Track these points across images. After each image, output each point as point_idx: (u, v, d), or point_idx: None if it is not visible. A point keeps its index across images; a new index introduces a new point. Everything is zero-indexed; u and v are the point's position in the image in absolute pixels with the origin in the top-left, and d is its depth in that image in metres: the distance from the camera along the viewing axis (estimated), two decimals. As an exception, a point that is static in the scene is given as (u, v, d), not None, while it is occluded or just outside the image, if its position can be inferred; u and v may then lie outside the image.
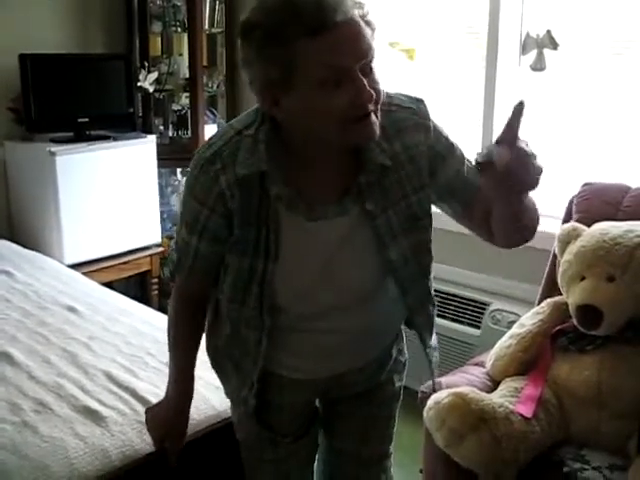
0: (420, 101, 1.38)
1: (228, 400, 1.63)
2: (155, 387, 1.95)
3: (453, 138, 1.42)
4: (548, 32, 2.68)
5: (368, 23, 1.19)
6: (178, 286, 1.48)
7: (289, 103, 1.20)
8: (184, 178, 3.99)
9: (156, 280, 3.73)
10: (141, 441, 1.74)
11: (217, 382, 1.67)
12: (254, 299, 1.35)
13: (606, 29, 2.62)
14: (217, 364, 1.56)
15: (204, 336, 1.54)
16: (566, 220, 2.32)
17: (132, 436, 1.76)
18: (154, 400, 1.89)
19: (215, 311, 1.48)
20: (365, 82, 1.17)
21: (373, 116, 1.20)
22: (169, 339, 1.52)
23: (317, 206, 1.30)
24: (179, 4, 3.78)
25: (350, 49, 1.16)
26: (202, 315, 1.51)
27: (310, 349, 1.43)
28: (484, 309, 2.84)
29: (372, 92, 1.18)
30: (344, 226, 1.32)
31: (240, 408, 1.52)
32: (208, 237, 1.34)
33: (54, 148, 3.28)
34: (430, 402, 1.82)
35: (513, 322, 2.52)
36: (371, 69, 1.20)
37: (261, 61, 1.18)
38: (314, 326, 1.39)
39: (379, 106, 1.22)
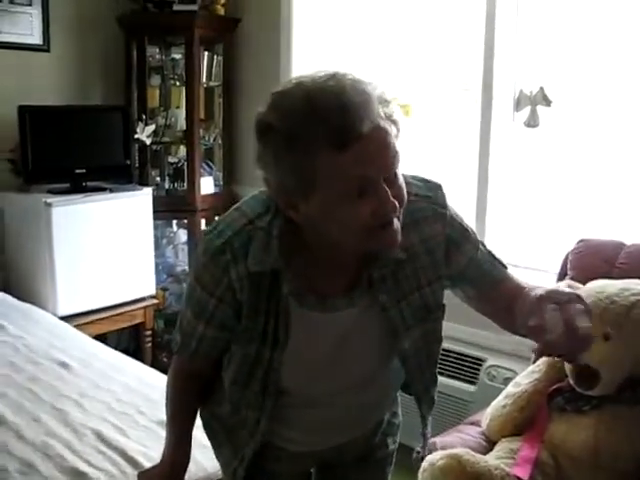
0: (438, 187, 1.32)
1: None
2: (145, 447, 1.92)
3: (467, 222, 1.37)
4: (541, 89, 2.72)
5: (394, 122, 1.13)
6: (179, 363, 1.43)
7: (307, 210, 1.14)
8: (179, 230, 4.01)
9: (149, 332, 3.70)
10: (129, 505, 1.71)
11: (208, 443, 1.64)
12: (258, 384, 1.31)
13: (598, 86, 2.65)
14: (210, 428, 1.53)
15: None
16: (561, 276, 2.32)
17: (120, 499, 1.72)
18: (143, 460, 1.86)
19: (215, 380, 1.45)
20: (389, 193, 1.10)
21: (396, 222, 1.14)
22: (167, 410, 1.48)
23: (328, 299, 1.26)
24: (178, 58, 3.84)
25: (376, 161, 1.09)
26: (201, 389, 1.47)
27: (311, 424, 1.41)
28: (480, 365, 2.82)
29: (395, 203, 1.11)
30: (353, 317, 1.28)
31: (229, 476, 1.49)
32: (215, 324, 1.29)
33: (50, 199, 3.28)
34: (425, 464, 1.80)
35: (509, 378, 2.51)
36: (396, 175, 1.13)
37: (277, 166, 1.12)
38: (316, 403, 1.37)
39: (402, 210, 1.15)
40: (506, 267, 1.41)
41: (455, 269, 1.34)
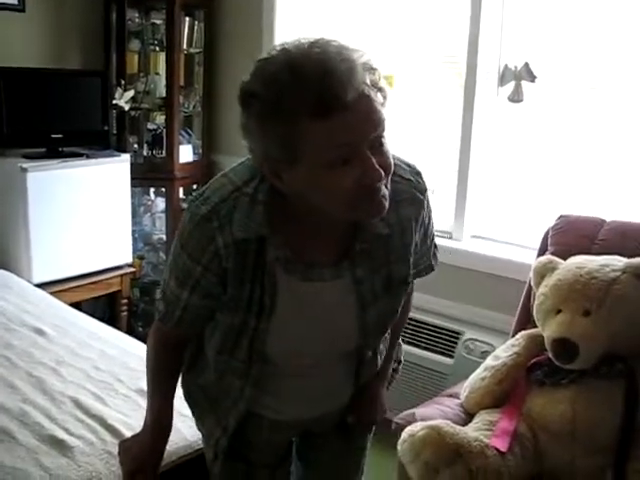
0: (419, 174, 1.34)
1: (197, 430, 1.60)
2: (124, 415, 1.91)
3: (434, 218, 1.41)
4: (526, 64, 2.71)
5: (380, 90, 1.11)
6: (161, 331, 1.41)
7: (292, 179, 1.13)
8: (157, 198, 3.96)
9: (126, 301, 3.66)
10: (109, 473, 1.70)
11: (188, 412, 1.63)
12: (243, 352, 1.32)
13: (583, 63, 2.65)
14: (192, 398, 1.53)
15: None
16: (542, 251, 2.33)
17: (100, 467, 1.71)
18: (123, 429, 1.85)
19: (197, 349, 1.45)
20: (374, 160, 1.10)
21: (383, 190, 1.14)
22: (148, 377, 1.47)
23: (315, 268, 1.26)
24: (158, 23, 3.75)
25: (360, 129, 1.08)
26: (182, 357, 1.47)
27: (295, 393, 1.41)
28: (457, 338, 2.83)
29: (381, 171, 1.11)
30: (337, 288, 1.29)
31: (212, 446, 1.48)
32: (200, 293, 1.28)
33: (26, 164, 3.22)
34: (404, 434, 1.81)
35: (486, 352, 2.53)
36: (381, 143, 1.12)
37: (261, 135, 1.11)
38: (301, 373, 1.37)
39: (389, 177, 1.16)
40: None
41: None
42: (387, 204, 1.16)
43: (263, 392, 1.39)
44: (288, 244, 1.24)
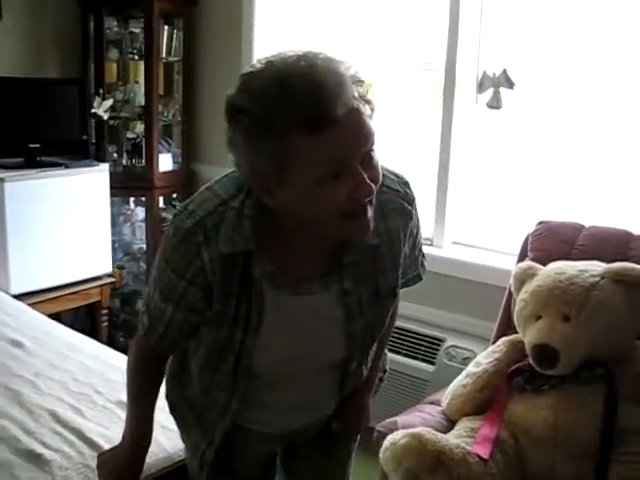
0: (407, 184, 1.33)
1: (180, 442, 1.58)
2: (103, 428, 1.88)
3: (422, 229, 1.42)
4: (504, 71, 2.73)
5: (368, 102, 1.10)
6: (143, 345, 1.39)
7: (281, 194, 1.11)
8: (137, 207, 3.94)
9: (106, 311, 3.63)
10: (87, 487, 1.67)
11: (169, 424, 1.62)
12: (229, 367, 1.30)
13: (561, 69, 2.67)
14: (177, 412, 1.51)
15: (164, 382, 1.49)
16: (521, 257, 2.34)
17: (78, 481, 1.68)
18: (101, 441, 1.83)
19: (181, 362, 1.43)
20: (364, 175, 1.09)
21: (369, 210, 1.13)
22: (128, 389, 1.45)
23: (302, 282, 1.25)
24: (137, 31, 3.74)
25: (351, 144, 1.07)
26: (164, 367, 1.45)
27: (281, 406, 1.40)
28: (439, 345, 2.84)
29: (372, 185, 1.10)
30: (324, 301, 1.28)
31: (197, 458, 1.47)
32: (184, 307, 1.26)
33: (3, 174, 3.18)
34: (386, 442, 1.80)
35: (468, 359, 2.53)
36: (371, 156, 1.12)
37: (250, 151, 1.09)
38: (287, 385, 1.37)
39: (375, 193, 1.14)
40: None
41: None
42: (372, 225, 1.15)
43: (249, 405, 1.38)
44: (275, 258, 1.22)
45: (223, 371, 1.31)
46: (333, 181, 1.07)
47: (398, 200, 1.29)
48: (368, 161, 1.11)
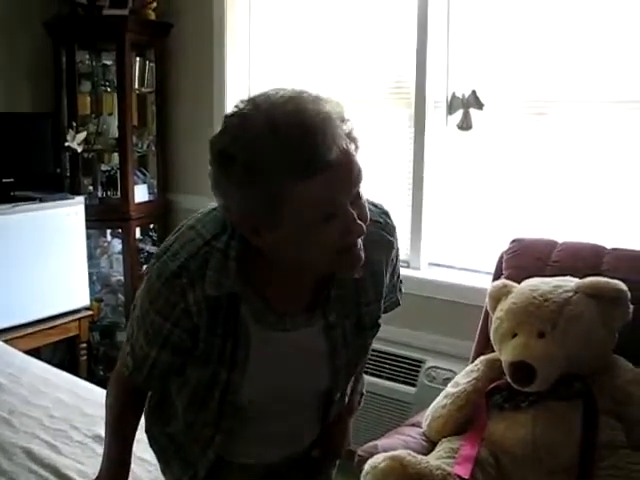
0: (387, 214, 1.33)
1: (159, 475, 1.56)
2: (79, 463, 1.85)
3: (400, 258, 1.42)
4: (473, 92, 2.76)
5: (353, 140, 1.10)
6: (125, 382, 1.36)
7: (270, 237, 1.10)
8: (113, 239, 3.92)
9: (85, 345, 3.59)
10: (63, 524, 1.64)
11: (147, 456, 1.59)
12: (214, 403, 1.28)
13: (528, 90, 2.71)
14: (157, 445, 1.48)
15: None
16: (497, 276, 2.35)
17: (53, 519, 1.65)
18: (77, 478, 1.81)
19: (163, 399, 1.41)
20: (355, 215, 1.09)
21: (359, 244, 1.12)
22: (107, 425, 1.42)
23: (287, 318, 1.24)
24: (109, 64, 3.75)
25: (344, 186, 1.07)
26: (144, 401, 1.43)
27: (265, 437, 1.39)
28: (419, 367, 2.83)
29: (363, 225, 1.10)
30: (308, 336, 1.27)
31: None
32: (169, 349, 1.24)
33: (-24, 210, 3.17)
34: (367, 466, 1.80)
35: (448, 379, 2.52)
36: (359, 195, 1.11)
37: (241, 198, 1.07)
38: (270, 417, 1.35)
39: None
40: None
41: None
42: (362, 261, 1.14)
43: (232, 439, 1.36)
44: (260, 296, 1.21)
45: (209, 408, 1.30)
46: (325, 223, 1.06)
47: (379, 231, 1.28)
48: (357, 200, 1.10)
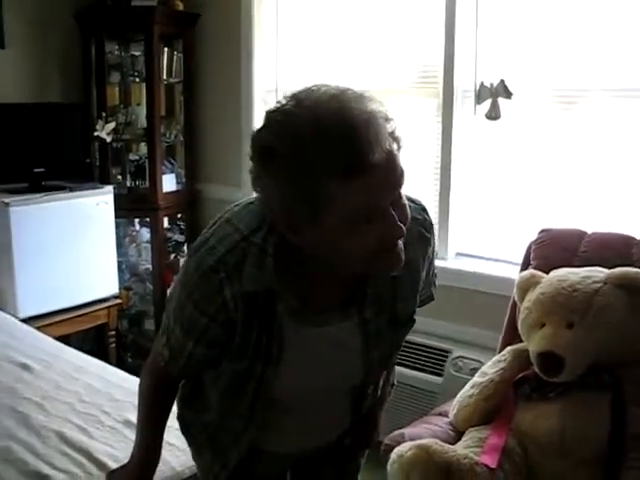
0: (425, 210, 1.31)
1: (187, 460, 1.58)
2: (110, 448, 1.89)
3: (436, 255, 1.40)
4: (502, 81, 2.73)
5: (396, 139, 1.07)
6: (159, 372, 1.37)
7: (309, 235, 1.08)
8: (142, 228, 3.96)
9: (114, 333, 3.64)
10: (95, 506, 1.67)
11: (176, 441, 1.62)
12: (249, 397, 1.29)
13: (557, 79, 2.68)
14: (190, 432, 1.50)
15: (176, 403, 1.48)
16: (525, 266, 2.34)
17: (86, 501, 1.69)
18: (109, 461, 1.83)
19: (197, 388, 1.42)
20: (396, 217, 1.07)
21: (400, 244, 1.11)
22: (139, 413, 1.44)
23: (323, 314, 1.23)
24: (137, 54, 3.79)
25: (387, 188, 1.05)
26: (177, 390, 1.44)
27: (298, 428, 1.39)
28: (446, 357, 2.83)
29: (403, 227, 1.08)
30: (343, 331, 1.26)
31: (210, 478, 1.47)
32: (205, 342, 1.24)
33: (8, 199, 3.21)
34: (393, 455, 1.80)
35: (475, 369, 2.52)
36: (400, 196, 1.09)
37: (281, 194, 1.06)
38: (304, 409, 1.36)
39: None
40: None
41: None
42: (402, 261, 1.13)
43: (266, 430, 1.37)
44: (297, 293, 1.20)
45: (243, 400, 1.30)
46: (365, 224, 1.05)
47: (418, 228, 1.26)
48: (398, 201, 1.09)
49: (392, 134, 1.06)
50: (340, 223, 1.05)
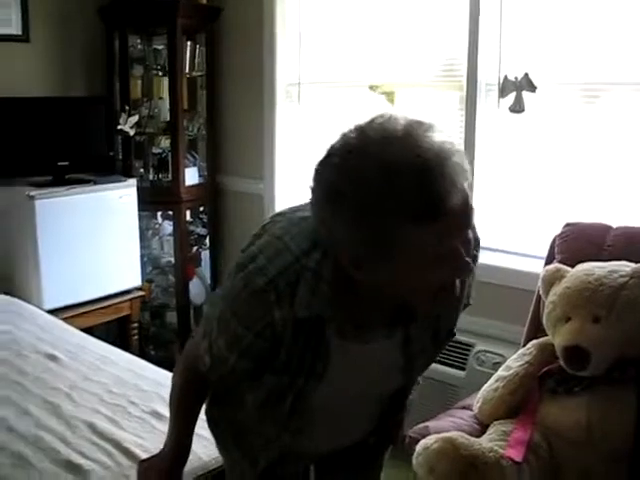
0: (479, 244, 1.22)
1: (215, 451, 1.59)
2: (139, 438, 1.91)
3: None
4: (526, 75, 2.72)
5: (466, 174, 0.99)
6: (193, 372, 1.36)
7: (375, 273, 1.03)
8: (164, 221, 3.98)
9: (136, 325, 3.68)
10: (126, 495, 1.70)
11: (204, 432, 1.62)
12: (287, 407, 1.28)
13: (582, 72, 2.67)
14: (218, 429, 1.51)
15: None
16: (549, 260, 2.34)
17: (116, 491, 1.71)
18: (138, 451, 1.85)
19: (232, 389, 1.41)
20: (464, 255, 1.02)
21: (457, 282, 1.08)
22: (171, 408, 1.45)
23: (368, 332, 1.20)
24: (160, 48, 3.80)
25: (460, 230, 1.00)
26: (208, 387, 1.44)
27: (330, 432, 1.40)
28: (469, 350, 2.83)
29: (471, 264, 1.04)
30: (387, 348, 1.25)
31: (237, 475, 1.49)
32: (249, 357, 1.22)
33: (33, 192, 3.24)
34: (419, 447, 1.81)
35: (498, 363, 2.52)
36: (468, 232, 1.04)
37: (347, 234, 1.00)
38: (338, 417, 1.35)
39: None
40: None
41: None
42: (459, 291, 1.10)
43: (297, 436, 1.36)
44: (350, 319, 1.18)
45: (280, 410, 1.30)
46: (433, 264, 1.00)
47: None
48: (466, 236, 1.03)
49: (463, 169, 0.99)
50: (407, 264, 1.00)
